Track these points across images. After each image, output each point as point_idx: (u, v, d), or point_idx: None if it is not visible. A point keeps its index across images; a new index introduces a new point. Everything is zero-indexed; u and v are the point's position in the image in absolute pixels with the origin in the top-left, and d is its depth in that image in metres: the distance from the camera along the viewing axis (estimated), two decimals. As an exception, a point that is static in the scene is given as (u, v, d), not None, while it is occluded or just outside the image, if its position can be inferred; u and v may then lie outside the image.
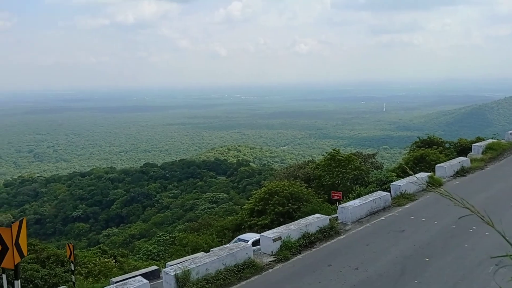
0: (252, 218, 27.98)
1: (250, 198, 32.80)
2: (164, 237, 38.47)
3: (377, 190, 20.67)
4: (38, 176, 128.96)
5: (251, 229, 26.52)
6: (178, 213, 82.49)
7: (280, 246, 13.65)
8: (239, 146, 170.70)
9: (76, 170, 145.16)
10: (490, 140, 30.42)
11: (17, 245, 7.80)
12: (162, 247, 35.15)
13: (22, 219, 8.19)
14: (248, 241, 18.14)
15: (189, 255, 21.98)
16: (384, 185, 23.92)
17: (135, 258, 32.19)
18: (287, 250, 13.52)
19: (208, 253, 13.56)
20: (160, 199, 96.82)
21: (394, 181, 22.76)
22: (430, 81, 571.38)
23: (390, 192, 19.29)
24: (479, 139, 34.65)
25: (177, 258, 20.87)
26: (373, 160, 43.24)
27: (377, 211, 17.43)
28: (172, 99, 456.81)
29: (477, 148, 27.37)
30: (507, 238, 2.60)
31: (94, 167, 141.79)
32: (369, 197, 17.88)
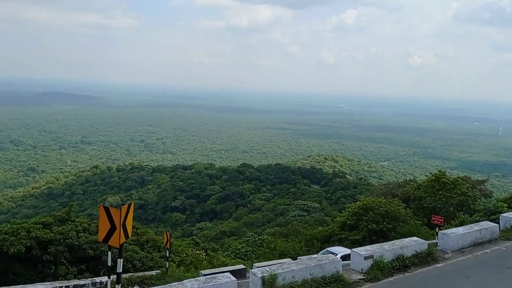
0: (343, 231, 27.33)
1: (343, 211, 32.05)
2: (253, 238, 39.13)
3: (483, 220, 19.06)
4: (146, 165, 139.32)
5: (341, 242, 25.95)
6: (268, 216, 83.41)
7: (371, 265, 13.15)
8: (336, 156, 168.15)
9: (179, 163, 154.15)
10: None
11: (124, 226, 8.46)
12: (250, 248, 35.77)
13: (131, 203, 8.83)
14: (337, 254, 17.77)
15: (276, 259, 22.09)
16: (492, 215, 21.95)
17: (224, 254, 33.19)
18: (379, 270, 12.98)
19: (296, 261, 13.52)
20: (253, 200, 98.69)
21: (504, 212, 20.80)
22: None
23: (498, 223, 17.66)
24: None
25: (264, 261, 21.11)
26: (482, 187, 39.81)
27: (482, 242, 16.03)
28: (274, 103, 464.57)
29: None
30: None
31: (196, 162, 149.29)
32: (474, 226, 16.53)
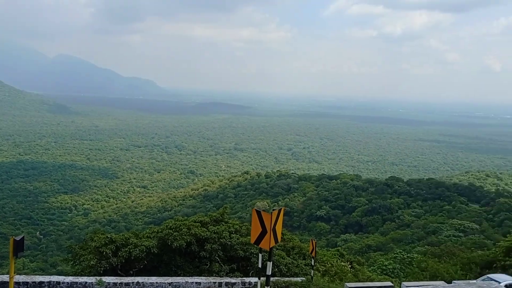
0: (508, 258, 24.36)
1: (508, 235, 28.59)
2: (401, 255, 37.20)
3: None
4: (292, 173, 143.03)
5: (504, 270, 23.16)
6: (418, 234, 78.28)
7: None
8: (501, 173, 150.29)
9: (325, 173, 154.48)
10: None
11: (274, 230, 8.83)
12: (398, 265, 34.10)
13: (281, 208, 9.18)
14: (500, 282, 15.92)
15: (427, 280, 20.69)
16: None
17: (369, 269, 32.19)
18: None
19: (451, 285, 12.49)
20: (402, 215, 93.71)
21: None
22: None
23: None
24: None
25: (414, 280, 19.92)
26: None
27: None
28: (428, 114, 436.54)
29: None
30: None
31: (341, 172, 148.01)
32: None
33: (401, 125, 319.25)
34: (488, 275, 19.84)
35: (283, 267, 17.92)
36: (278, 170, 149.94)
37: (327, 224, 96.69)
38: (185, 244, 16.68)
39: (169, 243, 16.70)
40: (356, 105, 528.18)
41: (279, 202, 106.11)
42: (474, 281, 16.56)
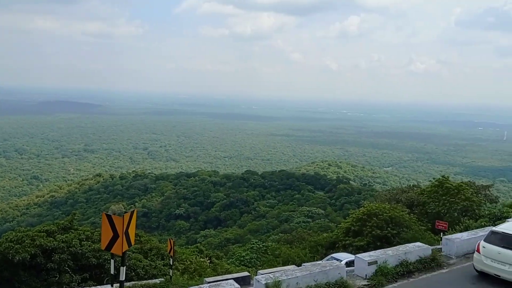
0: (347, 237, 27.23)
1: (347, 217, 31.97)
2: (257, 245, 38.95)
3: (489, 225, 18.94)
4: (149, 173, 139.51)
5: (345, 249, 25.87)
6: (273, 223, 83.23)
7: (375, 270, 13.10)
8: (340, 162, 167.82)
9: (183, 170, 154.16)
10: None
11: (127, 234, 8.47)
12: (254, 255, 35.61)
13: (134, 211, 8.84)
14: (341, 260, 17.72)
15: (280, 266, 22.02)
16: (498, 220, 21.83)
17: (228, 261, 33.07)
18: (382, 276, 12.92)
19: (300, 267, 13.48)
20: (257, 207, 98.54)
21: (510, 217, 20.67)
22: None
23: (504, 229, 17.50)
24: None
25: (268, 268, 21.02)
26: (487, 192, 39.56)
27: (488, 248, 15.91)
28: (278, 110, 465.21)
29: None
30: None
31: (199, 169, 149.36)
32: (479, 232, 16.43)
33: (254, 121, 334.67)
34: (332, 255, 21.96)
35: (141, 270, 17.40)
36: (134, 171, 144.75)
37: (186, 222, 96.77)
38: (29, 256, 15.14)
39: (10, 257, 15.00)
40: (212, 102, 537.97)
41: (136, 204, 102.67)
42: (320, 261, 18.12)
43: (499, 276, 12.49)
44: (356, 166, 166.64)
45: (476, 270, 13.40)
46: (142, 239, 21.55)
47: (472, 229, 17.70)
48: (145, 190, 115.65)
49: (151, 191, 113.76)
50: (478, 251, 13.21)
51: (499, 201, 41.61)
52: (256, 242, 42.16)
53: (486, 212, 25.49)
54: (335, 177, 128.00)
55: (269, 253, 32.03)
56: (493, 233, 13.32)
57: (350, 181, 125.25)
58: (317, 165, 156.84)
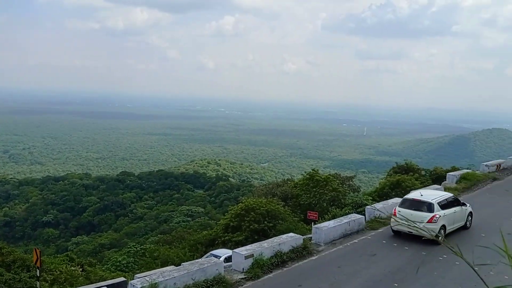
0: (226, 234, 27.72)
1: (226, 213, 32.54)
2: (135, 248, 37.71)
3: (352, 213, 20.75)
4: (11, 178, 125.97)
5: (224, 245, 26.29)
6: (152, 225, 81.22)
7: (252, 263, 13.49)
8: (219, 160, 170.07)
9: (50, 174, 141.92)
10: (465, 171, 31.01)
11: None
12: (132, 259, 34.41)
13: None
14: (220, 257, 17.94)
15: (159, 268, 21.54)
16: (359, 208, 24.05)
17: (103, 268, 31.41)
18: (259, 268, 13.37)
19: (178, 267, 13.31)
20: (135, 209, 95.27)
21: (369, 204, 22.89)
22: (411, 109, 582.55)
23: (364, 215, 19.37)
24: (454, 169, 35.34)
25: (146, 271, 20.43)
26: (351, 182, 43.50)
27: (351, 233, 17.45)
28: (155, 108, 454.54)
29: (452, 178, 27.80)
30: (476, 268, 2.61)
31: (69, 172, 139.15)
32: (344, 219, 17.91)
33: (130, 120, 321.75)
34: (211, 252, 22.15)
35: (3, 285, 15.78)
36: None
37: (55, 229, 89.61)
38: None
39: None
40: (82, 100, 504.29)
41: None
42: (199, 259, 18.11)
43: (411, 232, 15.94)
44: (234, 163, 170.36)
45: (393, 230, 17.16)
46: (3, 251, 19.63)
47: (338, 217, 19.18)
48: (7, 197, 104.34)
49: (14, 198, 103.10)
50: (394, 214, 16.76)
51: (360, 190, 46.03)
52: (133, 245, 40.78)
53: (350, 201, 27.89)
54: (214, 175, 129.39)
55: (148, 256, 31.21)
56: (405, 200, 17.47)
57: (229, 178, 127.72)
58: (196, 163, 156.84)
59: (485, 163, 32.01)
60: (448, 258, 13.36)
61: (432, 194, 17.79)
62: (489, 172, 30.27)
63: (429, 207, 16.49)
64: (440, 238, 15.16)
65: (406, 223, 15.13)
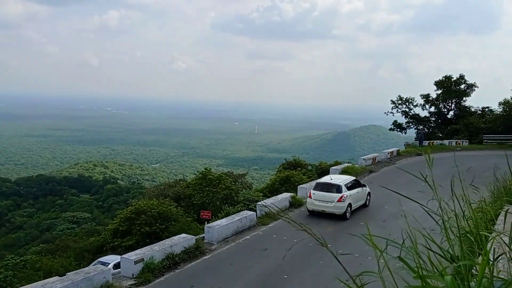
0: (116, 239, 26.61)
1: (115, 218, 31.18)
2: (13, 261, 34.64)
3: (244, 210, 21.15)
4: None
5: (114, 251, 25.22)
6: (32, 234, 74.82)
7: (142, 268, 13.07)
8: (106, 162, 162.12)
9: None
10: (346, 164, 33.57)
11: None
12: (10, 272, 31.58)
13: None
14: (109, 263, 17.15)
15: (41, 280, 19.90)
16: (251, 204, 24.63)
17: (-24, 285, 28.28)
18: (149, 272, 13.00)
19: (62, 278, 12.41)
20: (12, 218, 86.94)
21: (260, 200, 23.58)
22: (298, 107, 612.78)
23: (256, 211, 19.86)
24: (337, 163, 38.03)
25: (27, 284, 18.76)
26: (243, 180, 44.43)
27: (243, 230, 17.78)
28: (33, 107, 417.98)
29: (334, 171, 29.80)
30: (338, 259, 2.80)
31: None
32: (236, 217, 18.18)
33: (4, 121, 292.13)
34: (99, 259, 21.04)
35: None
36: None
37: None
38: None
39: None
40: None
41: None
42: (85, 268, 17.10)
43: (324, 211, 18.78)
44: (123, 165, 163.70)
45: (308, 210, 19.65)
46: None
47: (231, 215, 19.43)
48: None
49: None
50: (310, 197, 19.39)
51: (253, 187, 47.24)
52: (12, 257, 37.43)
53: (242, 198, 28.44)
54: (101, 178, 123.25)
55: (29, 268, 28.91)
56: (318, 183, 19.99)
57: (118, 181, 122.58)
58: (81, 166, 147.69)
59: (362, 157, 34.84)
60: (333, 248, 14.27)
61: (339, 178, 20.70)
62: (366, 165, 32.99)
63: (338, 188, 19.00)
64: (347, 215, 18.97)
65: (319, 204, 18.84)
